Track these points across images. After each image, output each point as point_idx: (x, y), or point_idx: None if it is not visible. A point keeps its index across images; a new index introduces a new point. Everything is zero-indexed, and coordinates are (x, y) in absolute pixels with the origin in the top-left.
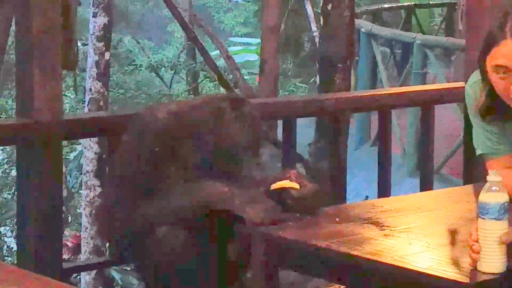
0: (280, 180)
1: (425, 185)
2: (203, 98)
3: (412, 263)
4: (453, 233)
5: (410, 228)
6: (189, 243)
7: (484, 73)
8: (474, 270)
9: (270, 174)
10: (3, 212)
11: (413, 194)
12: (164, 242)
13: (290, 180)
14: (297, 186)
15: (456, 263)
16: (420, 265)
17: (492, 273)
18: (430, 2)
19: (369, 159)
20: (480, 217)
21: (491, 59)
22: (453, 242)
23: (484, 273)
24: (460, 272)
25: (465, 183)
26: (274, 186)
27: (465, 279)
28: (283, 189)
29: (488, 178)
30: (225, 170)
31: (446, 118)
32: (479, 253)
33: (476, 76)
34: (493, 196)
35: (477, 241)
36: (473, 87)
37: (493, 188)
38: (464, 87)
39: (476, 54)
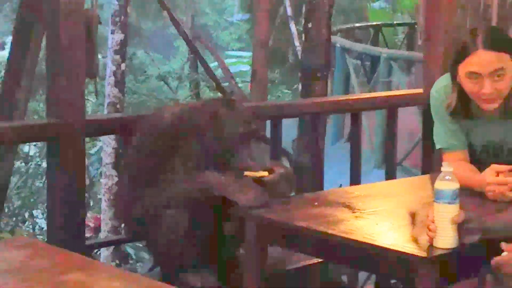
0: (253, 170)
1: (390, 175)
2: (201, 101)
3: (378, 240)
4: (413, 215)
5: (377, 211)
6: (193, 223)
7: (454, 79)
8: (431, 246)
9: (260, 163)
10: (36, 197)
11: (379, 182)
12: (172, 222)
13: (264, 170)
14: (265, 174)
15: (415, 240)
16: (386, 242)
17: (446, 248)
18: (395, 22)
19: (343, 153)
20: (435, 201)
21: (464, 66)
22: (413, 223)
23: (439, 248)
24: (419, 247)
25: (423, 173)
26: (246, 173)
27: (423, 254)
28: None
29: (442, 168)
30: (222, 161)
31: (408, 118)
32: (435, 231)
33: (441, 82)
34: (446, 184)
35: (433, 222)
36: (439, 91)
37: (446, 177)
38: (422, 93)
39: (432, 66)
